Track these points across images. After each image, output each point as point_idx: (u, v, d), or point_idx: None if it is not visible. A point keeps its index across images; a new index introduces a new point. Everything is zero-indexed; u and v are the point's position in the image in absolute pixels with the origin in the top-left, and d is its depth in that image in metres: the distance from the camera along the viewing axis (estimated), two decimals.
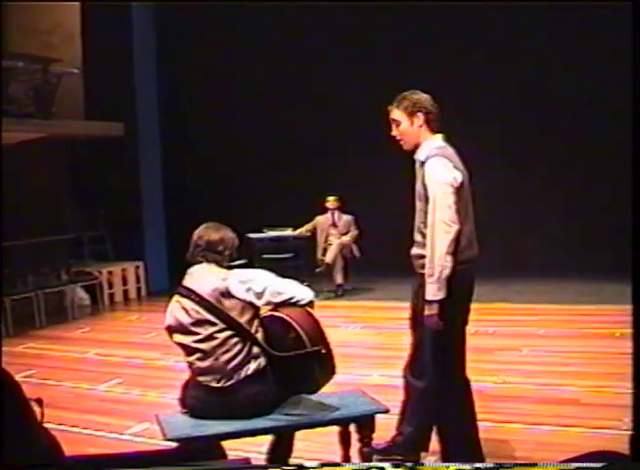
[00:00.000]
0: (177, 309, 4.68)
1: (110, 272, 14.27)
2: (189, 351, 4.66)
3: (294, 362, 4.54)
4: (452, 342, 5.10)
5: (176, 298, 4.73)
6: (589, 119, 13.64)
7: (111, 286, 14.24)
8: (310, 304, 4.71)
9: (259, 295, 4.58)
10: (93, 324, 12.23)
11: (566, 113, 13.86)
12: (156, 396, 7.67)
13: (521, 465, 3.55)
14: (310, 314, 4.66)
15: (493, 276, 13.55)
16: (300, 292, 4.69)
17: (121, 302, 14.36)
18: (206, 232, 4.84)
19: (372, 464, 4.36)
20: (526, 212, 14.54)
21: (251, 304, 4.59)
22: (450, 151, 5.07)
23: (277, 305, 4.65)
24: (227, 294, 4.56)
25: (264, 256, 12.77)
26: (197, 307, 4.59)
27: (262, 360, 4.58)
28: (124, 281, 14.59)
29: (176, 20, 15.85)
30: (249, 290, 4.57)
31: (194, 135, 16.23)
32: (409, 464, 2.83)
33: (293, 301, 4.64)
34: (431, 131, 5.10)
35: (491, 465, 2.74)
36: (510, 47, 13.99)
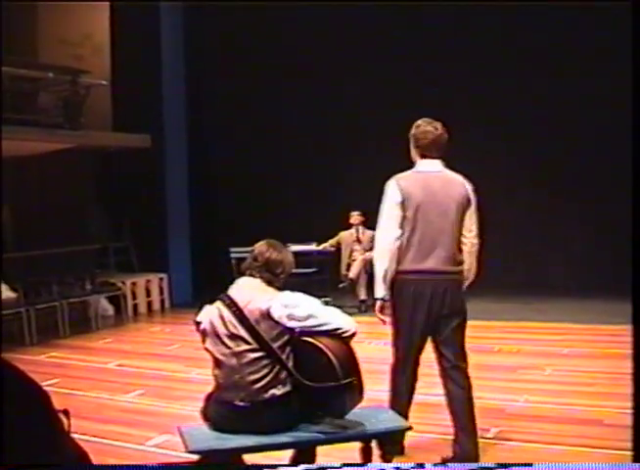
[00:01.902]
0: (215, 317, 4.64)
1: (134, 283, 14.29)
2: (217, 362, 4.64)
3: (323, 391, 4.46)
4: (397, 338, 5.84)
5: (218, 304, 4.67)
6: (614, 135, 13.57)
7: (134, 297, 14.25)
8: (352, 336, 4.60)
9: (301, 321, 4.51)
10: (116, 335, 12.26)
11: (589, 129, 13.79)
12: (177, 407, 7.65)
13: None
14: (345, 343, 4.55)
15: (517, 295, 13.54)
16: (345, 323, 4.57)
17: (145, 313, 14.37)
18: (269, 250, 4.76)
19: (393, 465, 4.36)
20: (550, 231, 14.48)
21: (288, 329, 4.53)
22: (414, 176, 5.76)
23: (316, 333, 4.53)
24: (267, 316, 4.51)
25: None
26: (235, 321, 4.54)
27: (289, 386, 4.53)
28: (148, 293, 14.59)
29: (205, 32, 15.94)
30: (290, 315, 4.50)
31: (220, 148, 16.28)
32: (431, 464, 2.82)
33: (337, 332, 4.52)
34: (420, 156, 5.79)
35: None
36: (531, 63, 14.00)
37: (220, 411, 4.60)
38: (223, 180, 16.27)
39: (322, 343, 4.47)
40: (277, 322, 4.51)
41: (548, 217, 14.42)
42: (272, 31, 15.47)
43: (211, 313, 4.69)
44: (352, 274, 13.24)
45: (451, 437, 5.81)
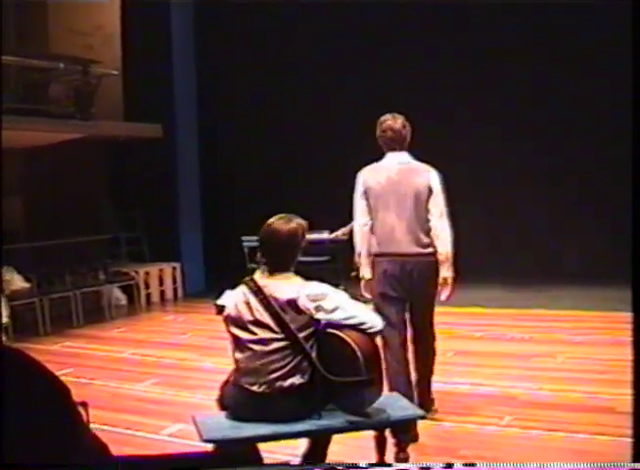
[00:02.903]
0: (241, 303, 4.61)
1: (146, 273, 14.32)
2: (240, 347, 4.61)
3: (345, 386, 4.45)
4: (378, 307, 6.26)
5: (244, 289, 4.66)
6: (628, 125, 13.52)
7: (147, 287, 14.28)
8: (377, 334, 4.63)
9: (328, 313, 4.49)
10: (129, 324, 12.29)
11: (602, 119, 13.70)
12: (191, 396, 7.68)
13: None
14: (370, 339, 4.55)
15: (529, 282, 13.51)
16: (371, 320, 4.58)
17: (158, 302, 14.39)
18: (275, 237, 4.73)
19: (420, 465, 4.39)
20: (563, 218, 14.43)
21: (315, 320, 4.53)
22: (378, 168, 6.47)
23: (343, 327, 4.52)
24: (295, 306, 4.50)
25: (300, 258, 12.68)
26: (261, 309, 4.53)
27: (308, 377, 4.51)
28: (161, 282, 14.61)
29: (216, 21, 15.92)
30: (318, 307, 4.49)
31: (232, 137, 16.27)
32: (460, 463, 2.85)
33: (362, 327, 4.50)
34: (385, 149, 6.50)
35: None
36: (545, 57, 13.95)
37: (237, 397, 4.59)
38: (235, 169, 16.25)
39: (349, 336, 4.45)
40: (304, 313, 4.50)
41: (561, 204, 14.37)
42: (285, 20, 15.42)
43: (237, 298, 4.66)
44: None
45: (468, 424, 6.29)
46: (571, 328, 10.29)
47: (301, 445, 4.93)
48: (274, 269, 4.69)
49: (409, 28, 14.64)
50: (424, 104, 13.28)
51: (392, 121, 6.43)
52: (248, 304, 4.58)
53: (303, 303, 4.50)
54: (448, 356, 8.57)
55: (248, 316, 4.57)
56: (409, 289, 6.28)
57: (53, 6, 14.35)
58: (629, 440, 5.73)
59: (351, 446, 5.26)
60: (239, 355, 4.63)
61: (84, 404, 1.44)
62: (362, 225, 6.41)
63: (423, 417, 4.86)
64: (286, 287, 4.58)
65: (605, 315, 10.86)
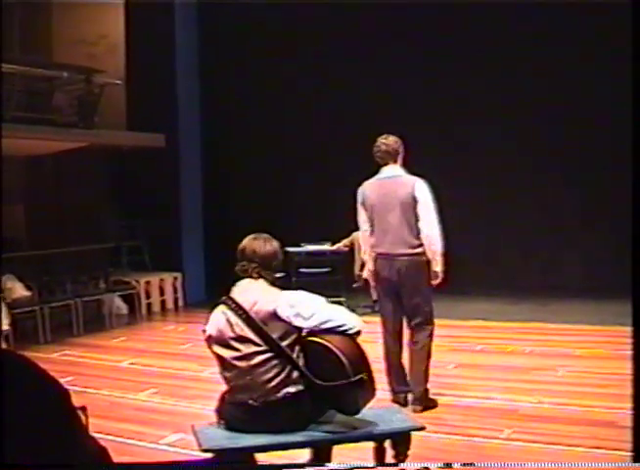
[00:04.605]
0: (221, 321, 4.63)
1: (147, 282, 14.31)
2: (226, 365, 4.64)
3: (335, 390, 4.45)
4: (379, 303, 7.78)
5: (222, 308, 4.66)
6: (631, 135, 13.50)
7: (148, 296, 14.27)
8: (358, 334, 4.61)
9: (307, 319, 4.50)
10: (130, 333, 12.29)
11: (605, 128, 13.69)
12: (191, 406, 7.68)
13: None
14: (353, 340, 4.54)
15: (531, 296, 13.50)
16: (350, 321, 4.57)
17: (158, 312, 14.39)
18: (258, 245, 4.78)
19: (422, 464, 4.40)
20: (566, 232, 14.43)
21: (295, 328, 4.53)
22: (373, 181, 7.41)
23: (323, 332, 4.53)
24: (275, 316, 4.51)
25: (301, 270, 12.73)
26: (242, 324, 4.54)
27: (301, 385, 4.51)
28: (162, 292, 14.60)
29: (220, 32, 15.96)
30: (297, 315, 4.50)
31: (235, 147, 16.29)
32: (458, 464, 2.84)
33: (341, 329, 4.51)
34: (380, 164, 7.37)
35: None
36: (543, 60, 13.96)
37: (234, 412, 4.59)
38: (237, 180, 16.28)
39: (330, 342, 4.47)
40: (284, 321, 4.51)
41: (564, 218, 14.37)
42: (288, 30, 15.46)
43: (217, 319, 4.68)
44: (366, 274, 13.20)
45: (467, 437, 6.33)
46: (571, 342, 10.28)
47: (299, 455, 4.92)
48: (256, 278, 4.73)
49: (419, 43, 14.69)
50: (424, 118, 13.31)
51: (385, 139, 7.33)
52: (228, 321, 4.60)
53: (283, 312, 4.51)
54: (449, 369, 8.56)
55: (229, 333, 4.58)
56: (398, 283, 7.20)
57: (57, 15, 14.42)
58: (629, 454, 5.73)
59: (351, 457, 5.25)
60: (227, 374, 4.65)
61: (83, 409, 1.44)
62: (364, 231, 7.48)
63: (422, 429, 4.85)
64: (264, 299, 4.59)
65: (606, 329, 10.85)
